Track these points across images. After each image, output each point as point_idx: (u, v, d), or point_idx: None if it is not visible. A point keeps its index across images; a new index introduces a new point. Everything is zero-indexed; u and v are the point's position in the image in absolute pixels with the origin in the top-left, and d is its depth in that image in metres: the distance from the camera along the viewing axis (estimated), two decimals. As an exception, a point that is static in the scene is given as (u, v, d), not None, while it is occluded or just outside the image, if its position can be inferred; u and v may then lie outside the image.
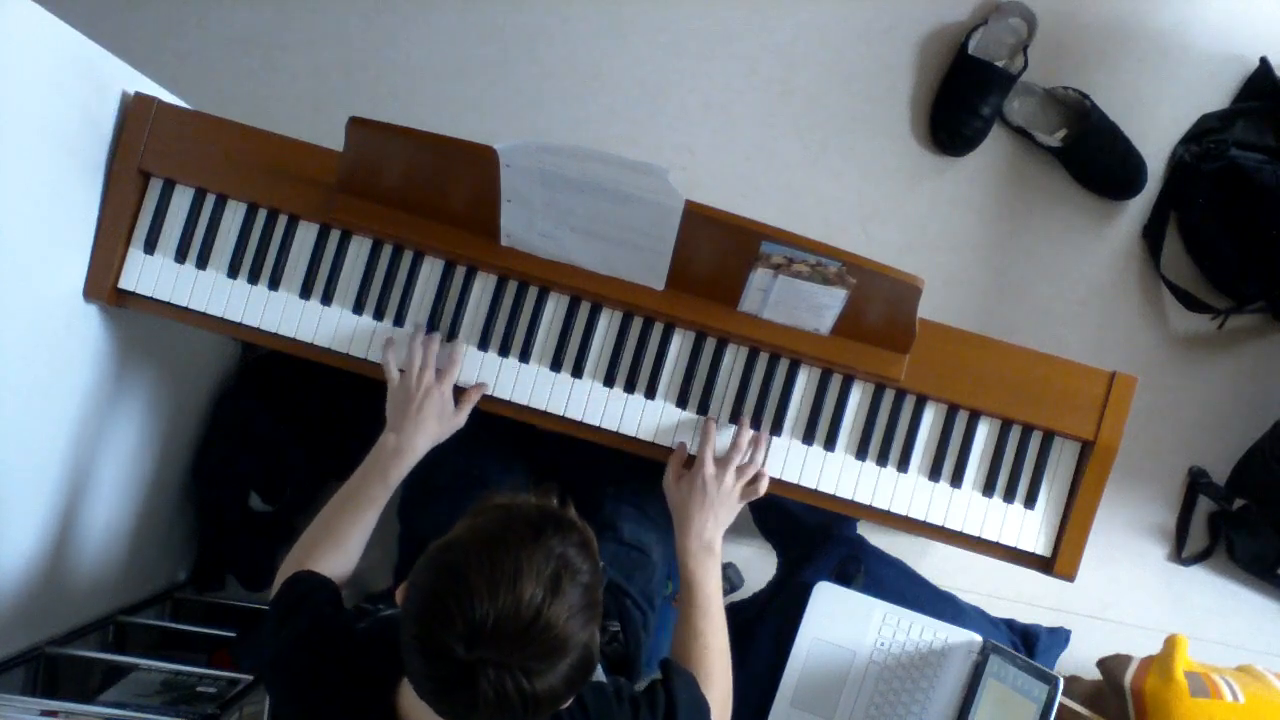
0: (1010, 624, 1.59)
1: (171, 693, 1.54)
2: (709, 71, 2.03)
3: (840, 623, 1.43)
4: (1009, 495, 1.36)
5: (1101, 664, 1.59)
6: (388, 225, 1.35)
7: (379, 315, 1.38)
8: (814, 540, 1.56)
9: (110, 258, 1.37)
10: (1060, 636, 1.60)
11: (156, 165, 1.37)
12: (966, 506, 1.36)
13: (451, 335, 1.36)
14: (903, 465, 1.36)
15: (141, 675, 1.59)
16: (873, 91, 2.01)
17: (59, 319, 1.35)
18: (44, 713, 1.32)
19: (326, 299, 1.38)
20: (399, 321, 1.37)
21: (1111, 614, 1.97)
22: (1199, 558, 1.96)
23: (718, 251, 1.25)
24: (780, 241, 1.19)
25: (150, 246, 1.39)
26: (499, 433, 1.46)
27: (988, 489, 1.36)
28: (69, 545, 1.48)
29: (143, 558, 1.73)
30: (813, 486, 1.36)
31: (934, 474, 1.36)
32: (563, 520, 0.91)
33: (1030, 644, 1.56)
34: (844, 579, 1.47)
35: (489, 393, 1.35)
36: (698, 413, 1.36)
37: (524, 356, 1.36)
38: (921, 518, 1.36)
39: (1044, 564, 1.36)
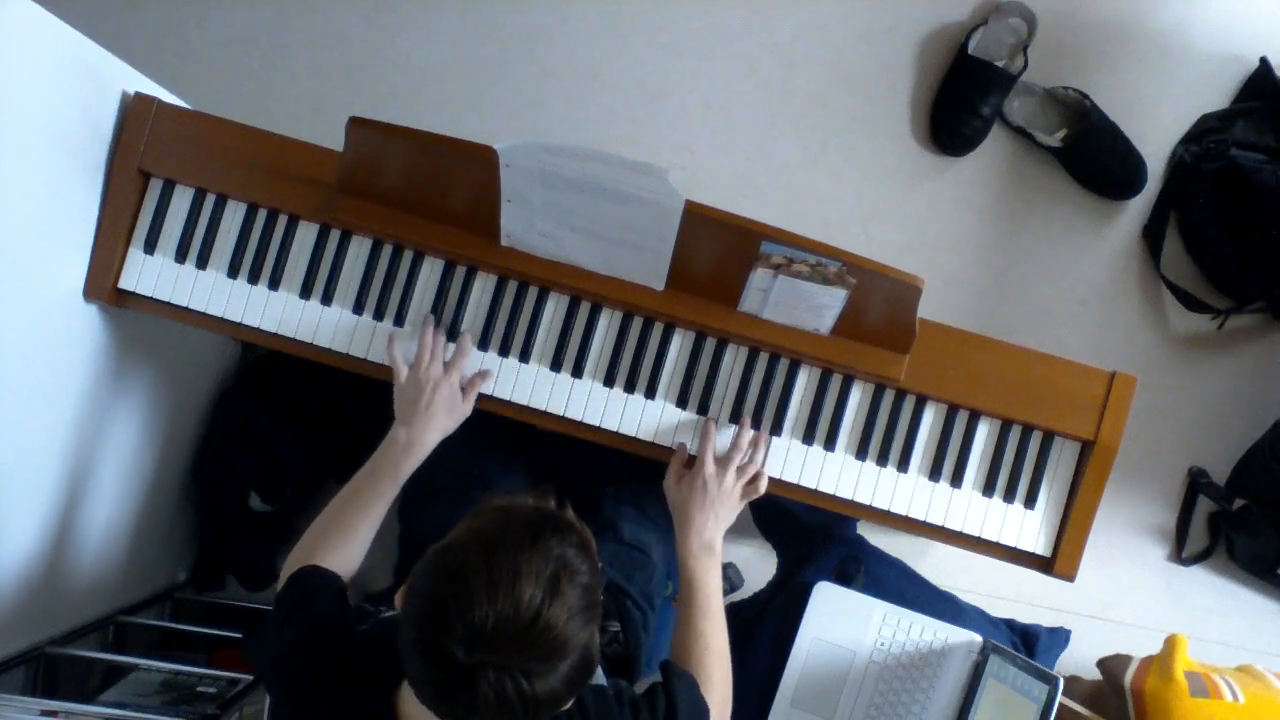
0: (1010, 624, 1.59)
1: (171, 693, 1.54)
2: (709, 71, 2.03)
3: (840, 623, 1.43)
4: (1009, 495, 1.36)
5: (1101, 664, 1.59)
6: (388, 225, 1.35)
7: (379, 315, 1.38)
8: (814, 540, 1.56)
9: (110, 258, 1.37)
10: (1060, 636, 1.60)
11: (156, 165, 1.37)
12: (966, 506, 1.36)
13: (451, 336, 1.36)
14: (903, 465, 1.36)
15: (141, 675, 1.59)
16: (873, 91, 2.01)
17: (59, 319, 1.35)
18: (44, 713, 1.32)
19: (326, 299, 1.38)
20: (399, 321, 1.37)
21: (1111, 614, 1.97)
22: (1199, 558, 1.96)
23: (718, 251, 1.25)
24: (780, 241, 1.19)
25: (150, 246, 1.39)
26: (499, 433, 1.46)
27: (988, 489, 1.36)
28: (69, 545, 1.48)
29: (143, 558, 1.73)
30: (813, 486, 1.36)
31: (934, 474, 1.36)
32: (561, 522, 0.91)
33: (1030, 644, 1.56)
34: (844, 579, 1.47)
35: (489, 393, 1.35)
36: (698, 413, 1.36)
37: (524, 356, 1.36)
38: (921, 518, 1.36)
39: (1044, 564, 1.36)
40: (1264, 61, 1.95)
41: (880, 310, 1.27)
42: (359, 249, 1.38)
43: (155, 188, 1.39)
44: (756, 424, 1.34)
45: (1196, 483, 1.94)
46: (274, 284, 1.38)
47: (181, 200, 1.39)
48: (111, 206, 1.37)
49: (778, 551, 1.71)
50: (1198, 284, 1.96)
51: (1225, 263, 1.91)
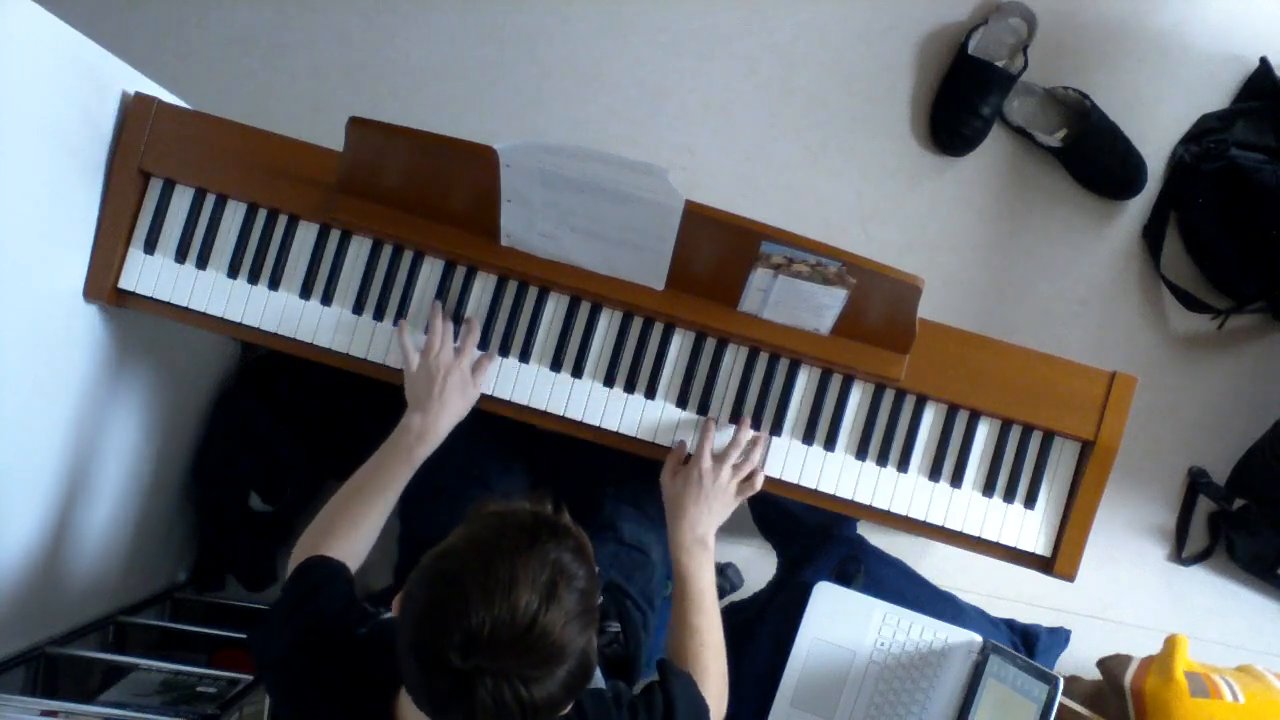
0: (1010, 624, 1.59)
1: (171, 693, 1.54)
2: (709, 71, 2.03)
3: (840, 623, 1.43)
4: (1009, 495, 1.36)
5: (1101, 664, 1.59)
6: (388, 225, 1.35)
7: (379, 315, 1.38)
8: (814, 540, 1.56)
9: (110, 258, 1.37)
10: (1060, 636, 1.60)
11: (156, 165, 1.37)
12: (966, 506, 1.36)
13: (456, 322, 1.35)
14: (903, 465, 1.36)
15: (141, 675, 1.59)
16: (873, 91, 2.01)
17: (59, 319, 1.35)
18: (44, 713, 1.32)
19: (326, 299, 1.38)
20: (399, 322, 1.37)
21: (1111, 614, 1.97)
22: (1199, 558, 1.96)
23: (718, 251, 1.25)
24: (780, 241, 1.19)
25: (150, 246, 1.39)
26: (499, 433, 1.46)
27: (988, 489, 1.36)
28: (69, 545, 1.48)
29: (143, 558, 1.73)
30: (813, 486, 1.36)
31: (934, 474, 1.36)
32: (557, 526, 0.91)
33: (1030, 644, 1.56)
34: (844, 579, 1.47)
35: (489, 393, 1.35)
36: (698, 413, 1.36)
37: (524, 356, 1.36)
38: (921, 518, 1.36)
39: (1044, 564, 1.36)
40: (1264, 61, 1.95)
41: (880, 310, 1.27)
42: (359, 249, 1.38)
43: (155, 188, 1.39)
44: (757, 424, 1.34)
45: (1196, 483, 1.94)
46: (274, 284, 1.38)
47: (181, 200, 1.39)
48: (111, 206, 1.37)
49: (778, 551, 1.71)
50: (1198, 284, 1.96)
51: (1225, 263, 1.91)
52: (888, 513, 1.36)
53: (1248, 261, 1.88)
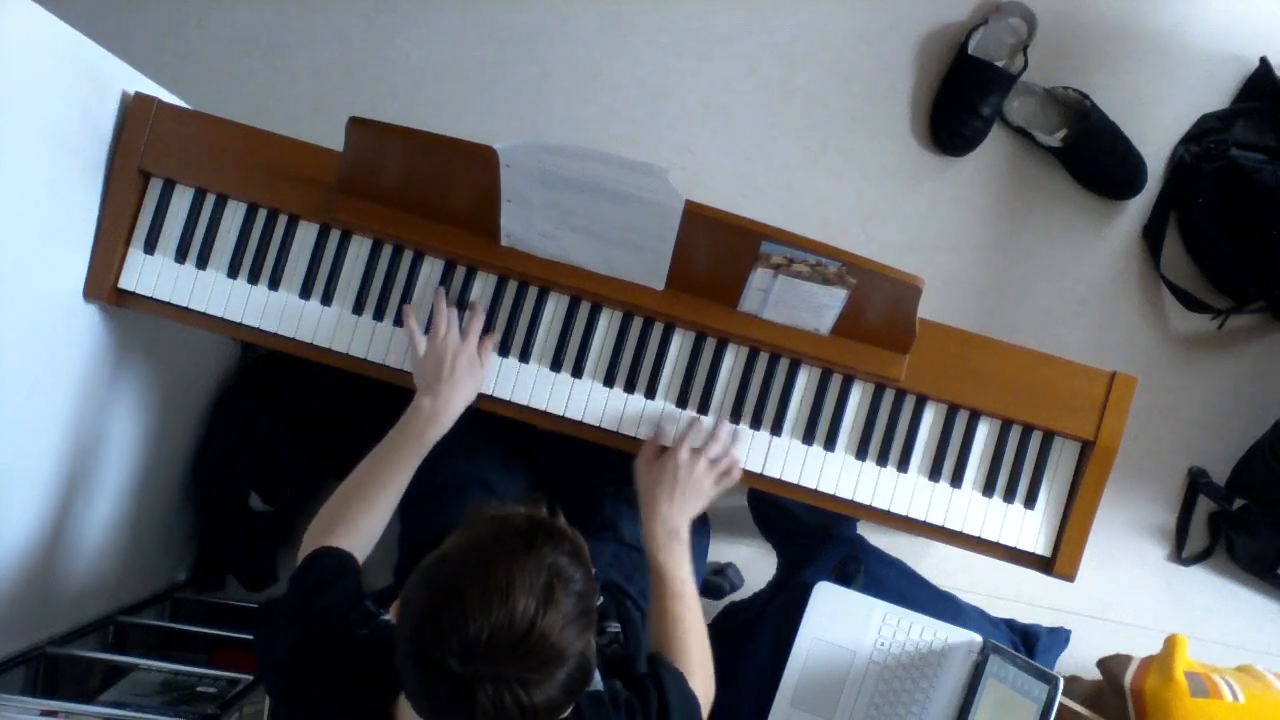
0: (1010, 624, 1.59)
1: (171, 693, 1.54)
2: (709, 71, 2.03)
3: (840, 623, 1.43)
4: (1009, 495, 1.36)
5: (1101, 664, 1.59)
6: (388, 225, 1.35)
7: (379, 315, 1.38)
8: (814, 540, 1.56)
9: (110, 258, 1.37)
10: (1060, 636, 1.60)
11: (156, 165, 1.37)
12: (966, 506, 1.36)
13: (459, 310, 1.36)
14: (903, 465, 1.36)
15: (141, 675, 1.59)
16: (873, 91, 2.01)
17: (59, 319, 1.35)
18: (44, 713, 1.32)
19: (326, 299, 1.38)
20: (399, 322, 1.37)
21: (1111, 614, 1.97)
22: (1199, 558, 1.96)
23: (718, 251, 1.25)
24: (780, 241, 1.19)
25: (150, 246, 1.39)
26: (499, 433, 1.46)
27: (988, 489, 1.36)
28: (69, 545, 1.48)
29: (143, 558, 1.73)
30: (813, 486, 1.36)
31: (934, 474, 1.36)
32: (553, 529, 0.91)
33: (1030, 644, 1.56)
34: (844, 579, 1.47)
35: (489, 393, 1.35)
36: (698, 412, 1.36)
37: (524, 356, 1.36)
38: (921, 518, 1.36)
39: (1044, 564, 1.36)
40: (1264, 61, 1.95)
41: (880, 310, 1.27)
42: (359, 249, 1.38)
43: (155, 188, 1.39)
44: (757, 424, 1.34)
45: (1196, 483, 1.94)
46: (274, 284, 1.38)
47: (181, 200, 1.39)
48: (111, 206, 1.37)
49: (778, 551, 1.71)
50: (1198, 284, 1.96)
51: (1225, 263, 1.91)
52: (888, 513, 1.36)
53: (1248, 261, 1.88)
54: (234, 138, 1.37)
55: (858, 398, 1.36)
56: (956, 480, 1.35)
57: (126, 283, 1.39)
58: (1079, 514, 1.34)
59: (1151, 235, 1.96)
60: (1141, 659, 1.52)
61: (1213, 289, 1.96)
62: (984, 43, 1.94)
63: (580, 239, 1.28)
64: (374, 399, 1.46)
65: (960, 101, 1.94)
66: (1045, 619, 1.68)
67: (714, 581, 1.85)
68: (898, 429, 1.36)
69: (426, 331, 1.32)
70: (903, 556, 1.57)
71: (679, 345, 1.36)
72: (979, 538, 1.36)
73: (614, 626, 1.37)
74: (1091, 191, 1.98)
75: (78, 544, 1.50)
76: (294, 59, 2.05)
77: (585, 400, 1.36)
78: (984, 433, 1.36)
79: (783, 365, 1.36)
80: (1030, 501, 1.35)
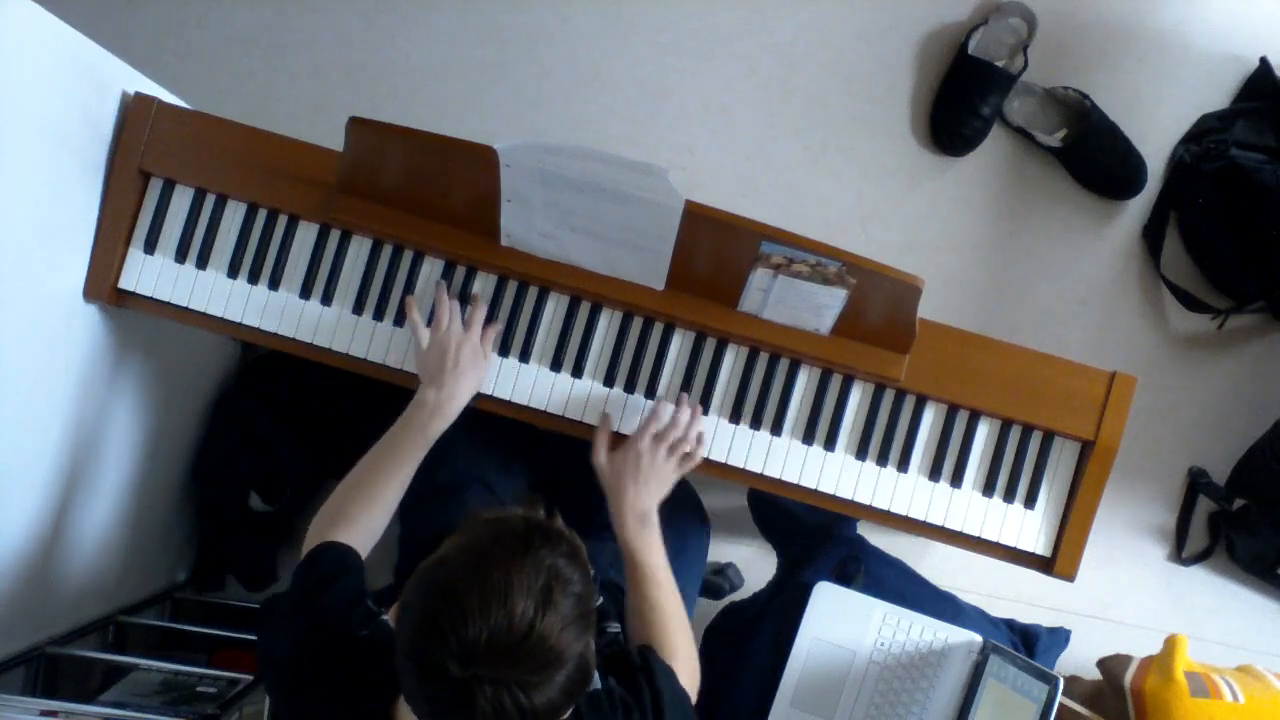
0: (1010, 624, 1.59)
1: (171, 693, 1.54)
2: (709, 71, 2.03)
3: (840, 623, 1.43)
4: (1009, 495, 1.36)
5: (1101, 664, 1.59)
6: (388, 225, 1.35)
7: (379, 315, 1.38)
8: (814, 540, 1.56)
9: (110, 258, 1.37)
10: (1060, 636, 1.60)
11: (156, 165, 1.37)
12: (966, 506, 1.36)
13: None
14: (903, 465, 1.36)
15: (141, 675, 1.59)
16: (873, 91, 2.01)
17: (59, 319, 1.35)
18: (44, 713, 1.32)
19: (326, 299, 1.38)
20: (399, 322, 1.37)
21: (1111, 614, 1.97)
22: (1199, 558, 1.96)
23: (718, 251, 1.25)
24: (780, 241, 1.19)
25: (150, 246, 1.39)
26: (499, 433, 1.46)
27: (988, 489, 1.36)
28: (69, 545, 1.48)
29: (143, 558, 1.73)
30: (813, 486, 1.36)
31: (934, 474, 1.36)
32: (550, 531, 0.91)
33: (1030, 644, 1.56)
34: (844, 579, 1.47)
35: (489, 393, 1.35)
36: (705, 410, 1.35)
37: (524, 356, 1.36)
38: (921, 518, 1.36)
39: (1044, 564, 1.36)
40: (1264, 61, 1.95)
41: (880, 310, 1.27)
42: (359, 249, 1.38)
43: (155, 188, 1.39)
44: (757, 424, 1.34)
45: (1196, 483, 1.94)
46: (274, 284, 1.38)
47: (181, 200, 1.39)
48: (111, 206, 1.37)
49: (778, 551, 1.71)
50: (1198, 284, 1.96)
51: (1225, 263, 1.91)
52: (888, 513, 1.36)
53: (1248, 261, 1.88)
54: (234, 138, 1.37)
55: (858, 398, 1.36)
56: (956, 480, 1.35)
57: (126, 283, 1.39)
58: (1079, 514, 1.34)
59: (1151, 235, 1.96)
60: (1141, 659, 1.52)
61: (1213, 289, 1.96)
62: (984, 43, 1.94)
63: (580, 239, 1.28)
64: (374, 399, 1.46)
65: (960, 101, 1.94)
66: (1045, 619, 1.68)
67: (714, 581, 1.85)
68: (898, 429, 1.36)
69: (429, 325, 1.32)
70: (903, 556, 1.57)
71: (679, 345, 1.36)
72: (979, 538, 1.36)
73: (614, 627, 1.37)
74: (1091, 191, 1.98)
75: (78, 544, 1.50)
76: (294, 59, 2.05)
77: (585, 400, 1.36)
78: (984, 433, 1.36)
79: (783, 365, 1.36)
80: (1030, 501, 1.35)
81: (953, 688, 1.39)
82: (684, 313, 1.33)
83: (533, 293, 1.37)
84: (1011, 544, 1.36)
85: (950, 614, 1.46)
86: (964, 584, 1.81)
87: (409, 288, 1.37)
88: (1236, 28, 1.98)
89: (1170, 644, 1.46)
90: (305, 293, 1.38)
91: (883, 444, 1.36)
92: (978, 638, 1.41)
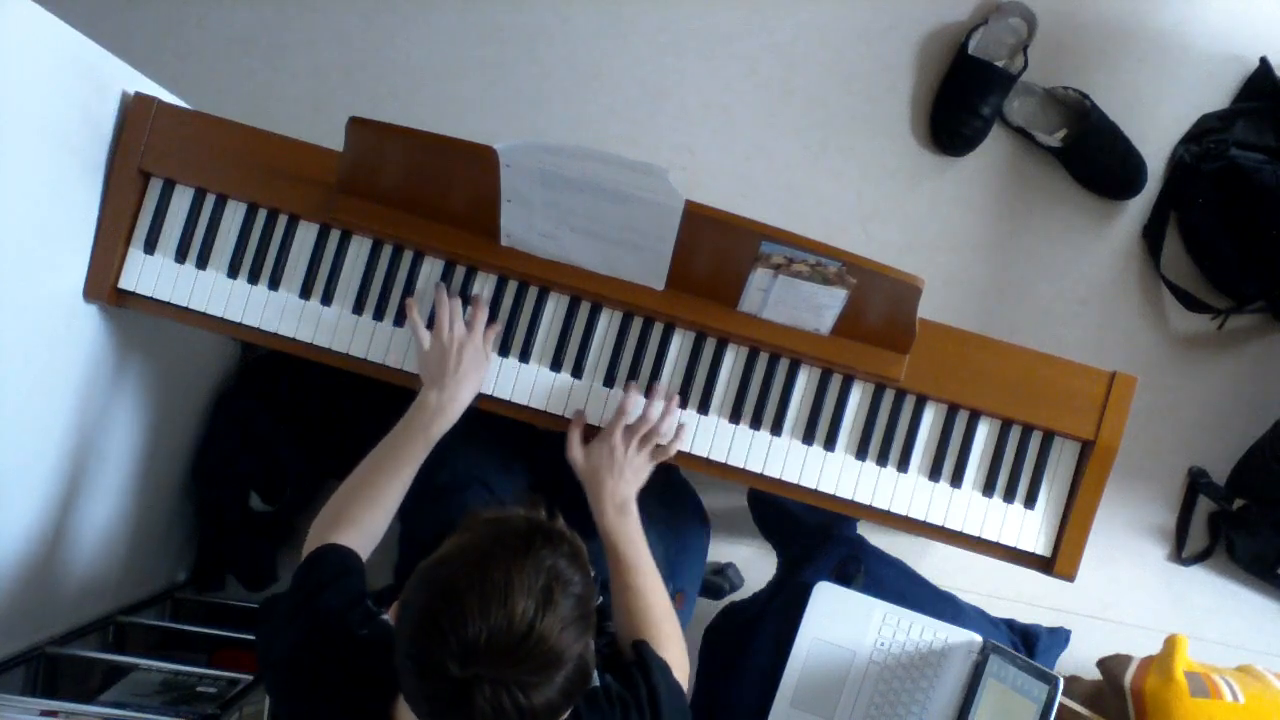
0: (1010, 624, 1.59)
1: (171, 693, 1.54)
2: (709, 71, 2.03)
3: (840, 623, 1.43)
4: (1009, 495, 1.36)
5: (1101, 664, 1.59)
6: (388, 225, 1.35)
7: (379, 315, 1.38)
8: (814, 540, 1.56)
9: (110, 258, 1.37)
10: (1060, 636, 1.60)
11: (156, 165, 1.37)
12: (966, 506, 1.36)
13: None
14: (903, 465, 1.36)
15: (141, 675, 1.59)
16: (873, 91, 2.01)
17: (59, 319, 1.35)
18: (44, 713, 1.32)
19: (326, 299, 1.38)
20: (399, 322, 1.37)
21: (1111, 614, 1.97)
22: (1199, 558, 1.96)
23: (718, 251, 1.25)
24: (780, 241, 1.19)
25: (150, 246, 1.39)
26: (499, 433, 1.46)
27: (988, 489, 1.36)
28: (69, 545, 1.48)
29: (142, 558, 1.73)
30: (813, 486, 1.36)
31: (934, 474, 1.36)
32: (551, 532, 0.91)
33: (1030, 644, 1.56)
34: (844, 579, 1.47)
35: (489, 393, 1.35)
36: (698, 411, 1.36)
37: (524, 356, 1.36)
38: (921, 518, 1.36)
39: (1044, 564, 1.36)
40: (1264, 61, 1.95)
41: (880, 310, 1.27)
42: (359, 249, 1.38)
43: (155, 188, 1.39)
44: (757, 424, 1.34)
45: (1196, 483, 1.94)
46: (274, 284, 1.38)
47: (181, 200, 1.39)
48: (111, 206, 1.37)
49: (778, 551, 1.71)
50: (1198, 284, 1.96)
51: (1225, 263, 1.91)
52: (888, 513, 1.36)
53: (1248, 261, 1.88)
54: (234, 138, 1.37)
55: (858, 398, 1.36)
56: (956, 480, 1.35)
57: (126, 283, 1.39)
58: (1079, 514, 1.34)
59: (1151, 235, 1.96)
60: (1141, 659, 1.52)
61: (1213, 289, 1.96)
62: (984, 43, 1.94)
63: (580, 239, 1.28)
64: (374, 399, 1.46)
65: (960, 101, 1.94)
66: (1045, 619, 1.68)
67: (714, 581, 1.85)
68: (898, 429, 1.36)
69: (430, 326, 1.33)
70: (903, 556, 1.57)
71: (679, 345, 1.36)
72: (979, 538, 1.36)
73: (613, 627, 1.37)
74: (1091, 191, 1.98)
75: (78, 544, 1.50)
76: (294, 59, 2.05)
77: (585, 400, 1.36)
78: (984, 433, 1.36)
79: (783, 365, 1.36)
80: (1030, 501, 1.35)
81: (953, 688, 1.39)
82: (684, 313, 1.33)
83: (533, 293, 1.37)
84: (1011, 544, 1.36)
85: (950, 614, 1.46)
86: (964, 584, 1.81)
87: (409, 288, 1.37)
88: (1236, 28, 1.98)
89: (1170, 644, 1.46)
90: (305, 293, 1.38)
91: (883, 444, 1.36)
92: (978, 638, 1.41)
